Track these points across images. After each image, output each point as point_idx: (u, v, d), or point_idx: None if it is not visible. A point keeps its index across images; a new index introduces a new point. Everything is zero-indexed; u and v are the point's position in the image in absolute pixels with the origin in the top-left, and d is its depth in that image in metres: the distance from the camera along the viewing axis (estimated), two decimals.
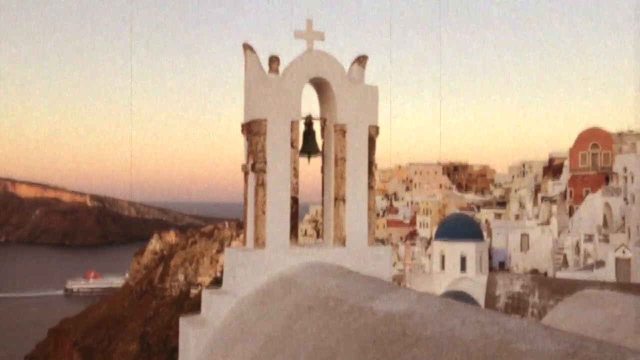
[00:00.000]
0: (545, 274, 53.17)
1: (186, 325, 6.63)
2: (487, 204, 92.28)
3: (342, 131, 6.99)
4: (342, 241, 6.98)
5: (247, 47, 6.90)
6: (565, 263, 54.61)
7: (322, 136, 7.32)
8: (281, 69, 6.90)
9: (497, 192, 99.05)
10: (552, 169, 79.29)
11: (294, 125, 6.82)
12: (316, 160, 7.40)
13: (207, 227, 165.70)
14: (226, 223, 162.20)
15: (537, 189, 79.43)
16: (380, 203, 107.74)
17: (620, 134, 69.46)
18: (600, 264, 44.04)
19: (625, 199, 54.20)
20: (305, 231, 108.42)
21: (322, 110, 7.33)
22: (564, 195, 67.69)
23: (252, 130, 6.73)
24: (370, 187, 7.18)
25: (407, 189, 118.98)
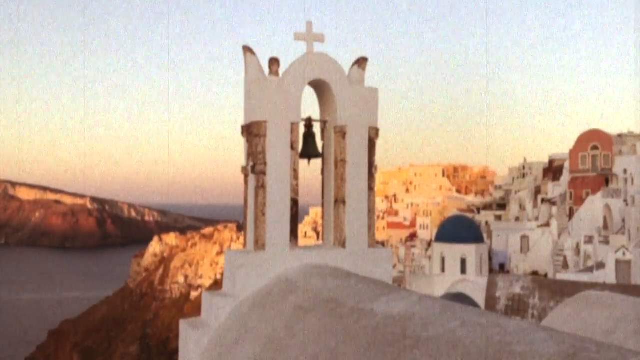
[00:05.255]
0: (546, 275, 53.17)
1: (186, 328, 6.63)
2: (487, 206, 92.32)
3: (342, 133, 7.00)
4: (342, 243, 6.98)
5: (247, 49, 6.90)
6: (565, 265, 54.60)
7: (322, 138, 7.32)
8: (281, 71, 6.91)
9: (497, 194, 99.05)
10: (552, 170, 79.31)
11: (294, 127, 6.82)
12: (316, 162, 7.41)
13: (207, 229, 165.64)
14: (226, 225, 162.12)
15: (537, 191, 79.47)
16: (381, 205, 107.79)
17: (620, 136, 69.51)
18: (601, 265, 44.03)
19: (625, 201, 54.20)
20: (305, 233, 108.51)
21: (322, 112, 7.34)
22: (564, 197, 67.71)
23: (252, 132, 6.73)
24: (371, 188, 7.18)
25: (407, 190, 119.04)
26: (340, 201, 7.01)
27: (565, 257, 55.71)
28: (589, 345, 3.37)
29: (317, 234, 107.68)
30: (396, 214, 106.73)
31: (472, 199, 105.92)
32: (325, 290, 5.70)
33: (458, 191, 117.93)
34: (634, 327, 6.98)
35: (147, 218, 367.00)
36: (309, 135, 7.32)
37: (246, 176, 7.04)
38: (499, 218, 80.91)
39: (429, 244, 69.75)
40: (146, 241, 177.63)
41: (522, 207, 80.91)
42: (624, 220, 52.11)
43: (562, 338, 3.52)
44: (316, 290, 5.77)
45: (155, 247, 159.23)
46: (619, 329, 7.10)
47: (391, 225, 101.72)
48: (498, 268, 61.03)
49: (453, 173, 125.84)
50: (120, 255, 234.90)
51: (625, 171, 58.91)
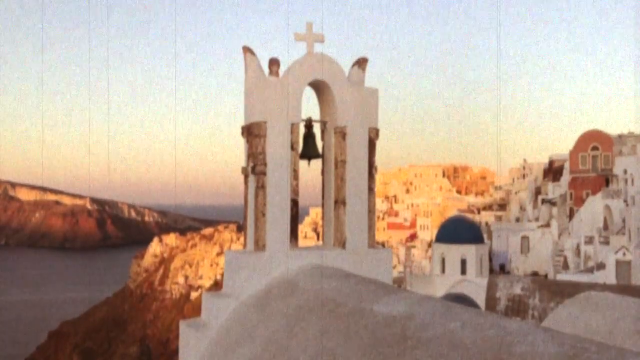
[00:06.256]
0: (546, 276, 53.17)
1: (186, 329, 6.63)
2: (488, 207, 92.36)
3: (342, 134, 7.00)
4: (342, 244, 6.98)
5: (247, 50, 6.91)
6: (565, 265, 54.64)
7: (322, 139, 7.32)
8: (281, 71, 6.91)
9: (498, 195, 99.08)
10: (552, 171, 79.31)
11: (294, 127, 6.83)
12: (316, 163, 7.41)
13: (207, 229, 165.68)
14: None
15: (538, 192, 79.49)
16: (381, 205, 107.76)
17: (620, 136, 69.47)
18: (601, 266, 44.04)
19: (625, 201, 54.21)
20: (306, 234, 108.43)
21: (322, 113, 7.34)
22: (564, 197, 67.72)
23: (252, 132, 6.73)
24: (371, 189, 7.18)
25: (407, 191, 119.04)
26: (340, 202, 7.01)
27: (565, 258, 55.73)
28: (589, 345, 3.37)
29: (317, 234, 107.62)
30: (396, 214, 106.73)
31: (472, 199, 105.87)
32: (325, 290, 5.70)
33: (458, 192, 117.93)
34: (634, 327, 6.98)
35: (147, 218, 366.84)
36: (309, 136, 7.32)
37: (246, 177, 7.04)
38: (499, 218, 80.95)
39: (429, 245, 69.77)
40: (146, 242, 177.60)
41: (522, 208, 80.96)
42: (624, 221, 52.12)
43: (562, 339, 3.52)
44: (316, 291, 5.77)
45: (155, 247, 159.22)
46: (619, 329, 7.10)
47: (391, 226, 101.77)
48: (498, 269, 61.07)
49: (453, 173, 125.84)
50: (120, 256, 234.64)
51: (625, 171, 58.91)
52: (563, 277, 43.78)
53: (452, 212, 79.76)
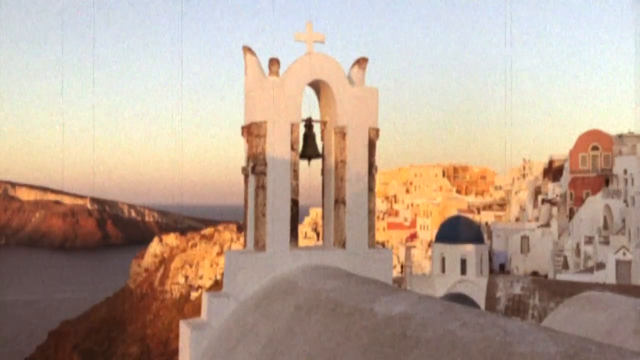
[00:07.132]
0: (546, 276, 53.17)
1: (186, 328, 6.62)
2: (487, 206, 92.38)
3: (342, 133, 7.00)
4: (342, 243, 6.98)
5: (247, 50, 6.91)
6: (565, 265, 54.60)
7: (322, 139, 7.32)
8: (281, 71, 6.91)
9: (498, 194, 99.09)
10: (552, 171, 79.32)
11: (293, 127, 6.82)
12: (316, 163, 7.41)
13: (207, 229, 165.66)
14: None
15: (538, 191, 79.49)
16: (381, 205, 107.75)
17: (620, 136, 69.40)
18: (601, 266, 44.00)
19: (625, 201, 54.18)
20: (306, 233, 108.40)
21: (322, 113, 7.34)
22: (564, 197, 67.71)
23: (252, 132, 6.73)
24: (371, 189, 7.18)
25: (407, 191, 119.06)
26: (340, 202, 7.01)
27: (565, 258, 55.70)
28: (589, 345, 3.37)
29: (317, 234, 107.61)
30: (396, 214, 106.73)
31: (472, 199, 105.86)
32: (326, 290, 5.69)
33: (458, 192, 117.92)
34: (634, 327, 6.98)
35: (147, 218, 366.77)
36: (309, 136, 7.32)
37: (246, 177, 7.04)
38: (499, 218, 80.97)
39: (429, 245, 69.77)
40: (146, 242, 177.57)
41: (522, 208, 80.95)
42: (624, 221, 52.09)
43: (562, 338, 3.52)
44: (316, 291, 5.76)
45: (155, 247, 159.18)
46: (619, 329, 7.10)
47: (391, 226, 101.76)
48: (498, 268, 61.03)
49: (453, 173, 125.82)
50: (120, 256, 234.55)
51: (625, 171, 58.89)
52: (563, 277, 43.76)
53: (452, 212, 79.68)
